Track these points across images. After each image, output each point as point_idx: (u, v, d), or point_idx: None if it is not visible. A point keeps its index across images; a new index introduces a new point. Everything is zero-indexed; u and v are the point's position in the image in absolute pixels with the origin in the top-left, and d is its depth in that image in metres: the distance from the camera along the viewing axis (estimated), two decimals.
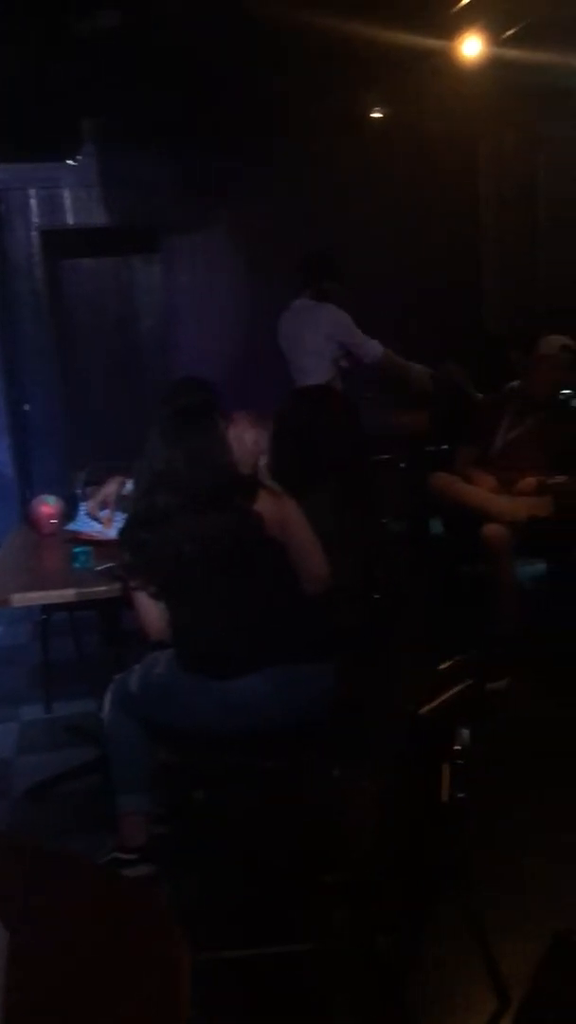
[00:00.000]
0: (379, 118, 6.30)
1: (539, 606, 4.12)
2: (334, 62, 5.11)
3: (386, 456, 5.00)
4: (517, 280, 6.99)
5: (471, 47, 4.65)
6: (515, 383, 4.29)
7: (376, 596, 2.69)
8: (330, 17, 4.38)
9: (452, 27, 4.60)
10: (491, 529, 3.76)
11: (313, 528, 2.61)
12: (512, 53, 4.80)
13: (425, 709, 1.87)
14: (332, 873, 1.81)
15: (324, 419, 3.51)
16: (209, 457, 2.49)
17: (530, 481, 3.89)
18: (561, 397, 4.40)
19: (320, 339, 4.94)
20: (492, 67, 4.96)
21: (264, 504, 2.50)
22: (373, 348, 4.97)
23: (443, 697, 1.92)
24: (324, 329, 4.94)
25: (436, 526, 4.55)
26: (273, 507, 2.53)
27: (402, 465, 5.14)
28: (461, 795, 1.70)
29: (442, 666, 2.07)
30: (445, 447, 4.74)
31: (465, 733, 1.77)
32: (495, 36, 4.58)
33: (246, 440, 3.10)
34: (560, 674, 3.70)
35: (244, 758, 2.29)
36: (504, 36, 4.56)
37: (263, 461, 3.07)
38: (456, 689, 1.96)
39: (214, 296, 6.84)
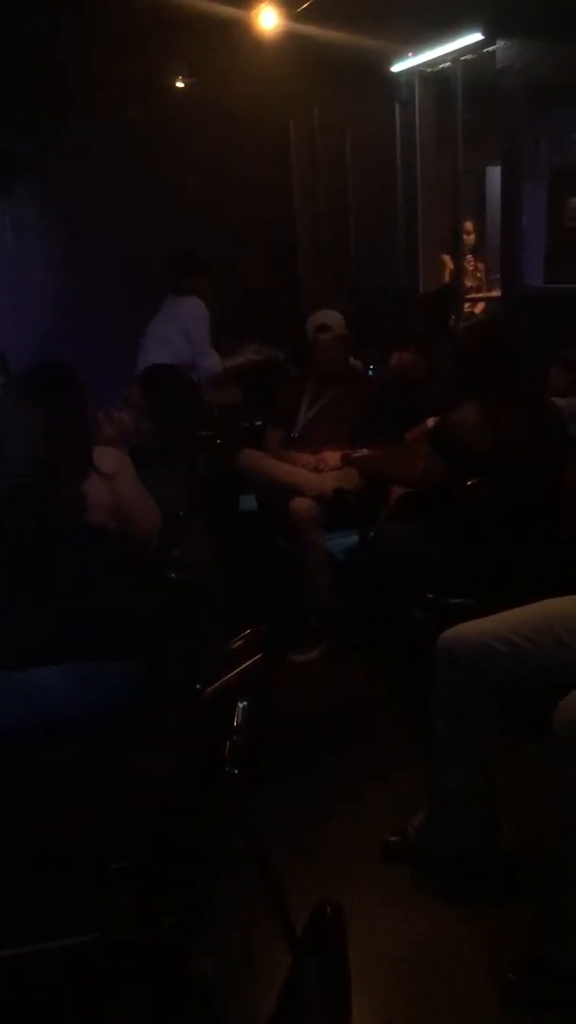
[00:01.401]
0: (190, 95, 6.22)
1: (351, 577, 4.20)
2: (136, 31, 5.00)
3: (203, 432, 4.96)
4: (333, 258, 7.09)
5: (267, 19, 4.65)
6: None
7: (172, 575, 2.65)
8: None
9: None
10: (299, 503, 3.80)
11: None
12: (310, 29, 4.84)
13: (210, 688, 1.85)
14: (118, 860, 1.77)
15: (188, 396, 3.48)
16: (39, 433, 2.19)
17: (331, 455, 3.96)
18: (355, 366, 4.47)
19: (174, 331, 4.67)
20: (295, 43, 4.99)
21: (96, 489, 2.36)
22: (213, 364, 4.79)
23: (229, 675, 1.91)
24: (182, 323, 4.67)
25: (251, 502, 4.57)
26: (104, 492, 2.40)
27: (219, 441, 5.11)
28: (236, 771, 1.70)
29: (233, 641, 2.06)
30: (259, 423, 4.76)
31: (242, 707, 1.77)
32: (290, 10, 4.60)
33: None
34: (369, 644, 3.79)
35: (32, 749, 2.20)
36: (298, 10, 4.59)
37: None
38: (243, 665, 1.96)
39: (21, 269, 6.59)
